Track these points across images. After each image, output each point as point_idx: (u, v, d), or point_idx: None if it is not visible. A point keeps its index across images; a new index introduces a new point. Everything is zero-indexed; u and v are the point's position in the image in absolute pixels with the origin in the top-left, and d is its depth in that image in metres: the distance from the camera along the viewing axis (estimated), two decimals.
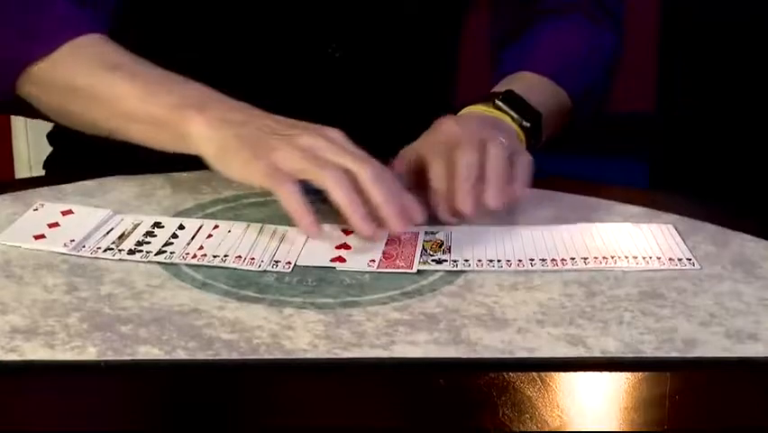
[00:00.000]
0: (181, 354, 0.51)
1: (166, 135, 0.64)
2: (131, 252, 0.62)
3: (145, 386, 0.50)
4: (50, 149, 0.90)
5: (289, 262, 0.61)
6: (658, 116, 1.26)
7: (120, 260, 0.61)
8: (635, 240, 0.65)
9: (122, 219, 0.66)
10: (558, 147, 0.78)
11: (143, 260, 0.61)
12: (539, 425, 0.47)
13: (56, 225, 0.65)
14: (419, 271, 0.60)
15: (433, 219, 0.65)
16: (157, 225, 0.65)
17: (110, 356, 0.51)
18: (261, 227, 0.65)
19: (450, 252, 0.61)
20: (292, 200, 0.59)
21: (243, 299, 0.56)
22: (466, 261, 0.61)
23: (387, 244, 0.62)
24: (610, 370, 0.51)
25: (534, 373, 0.50)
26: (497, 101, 0.72)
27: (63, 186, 0.71)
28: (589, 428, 0.48)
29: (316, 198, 0.61)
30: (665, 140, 1.25)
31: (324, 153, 0.60)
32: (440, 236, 0.63)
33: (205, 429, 0.47)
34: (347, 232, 0.63)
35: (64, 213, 0.66)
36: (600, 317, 0.55)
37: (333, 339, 0.53)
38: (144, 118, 0.65)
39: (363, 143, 0.64)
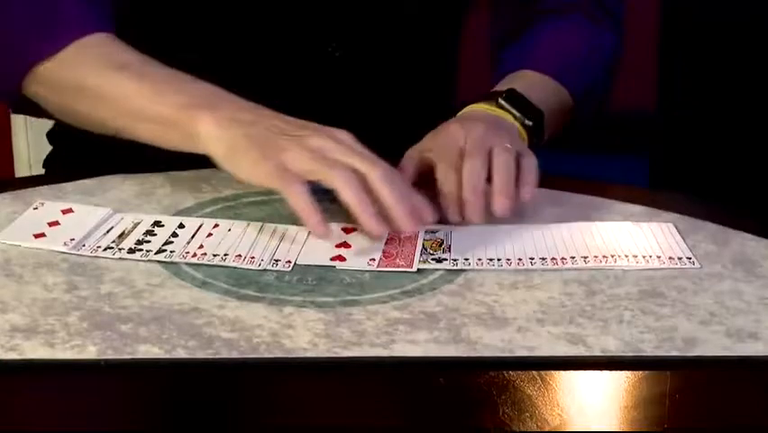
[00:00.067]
0: (181, 353, 0.51)
1: (175, 135, 0.64)
2: (131, 250, 0.61)
3: (145, 385, 0.50)
4: (49, 148, 0.90)
5: (289, 261, 0.60)
6: (658, 115, 1.26)
7: (120, 259, 0.61)
8: (635, 239, 0.65)
9: (122, 218, 0.66)
10: (558, 145, 0.78)
11: (143, 259, 0.61)
12: (539, 424, 0.47)
13: (56, 223, 0.65)
14: (419, 270, 0.60)
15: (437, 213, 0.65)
16: (157, 223, 0.65)
17: (110, 355, 0.51)
18: (261, 226, 0.65)
19: (450, 250, 0.61)
20: (300, 200, 0.59)
21: (243, 298, 0.56)
22: (466, 260, 0.61)
23: (387, 242, 0.62)
24: (610, 369, 0.51)
25: (534, 372, 0.50)
26: (499, 100, 0.72)
27: (63, 184, 0.71)
28: (589, 426, 0.48)
29: (324, 197, 0.61)
30: (666, 138, 1.25)
31: (333, 154, 0.60)
32: (440, 235, 0.63)
33: (206, 428, 0.47)
34: (347, 230, 0.63)
35: (64, 212, 0.66)
36: (600, 316, 0.55)
37: (333, 338, 0.53)
38: (153, 117, 0.65)
39: (363, 142, 0.64)
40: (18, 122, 0.96)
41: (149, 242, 0.63)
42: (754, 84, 1.22)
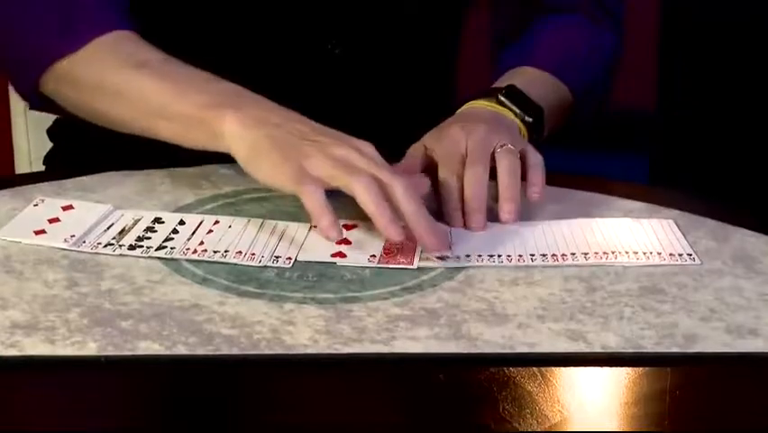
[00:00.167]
0: (182, 350, 0.51)
1: (199, 134, 0.64)
2: (131, 247, 0.61)
3: (145, 381, 0.50)
4: (50, 144, 0.90)
5: (290, 258, 0.60)
6: (658, 113, 1.26)
7: (120, 255, 0.61)
8: (635, 235, 0.65)
9: (122, 215, 0.66)
10: (559, 143, 0.78)
11: (144, 255, 0.61)
12: (539, 420, 0.47)
13: (56, 220, 0.65)
14: (419, 267, 0.60)
15: (440, 217, 0.65)
16: (157, 220, 0.65)
17: (110, 352, 0.51)
18: (262, 223, 0.65)
19: (451, 248, 0.61)
20: (313, 199, 0.58)
21: (244, 295, 0.56)
22: (467, 256, 0.61)
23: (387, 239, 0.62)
24: (611, 365, 0.51)
25: (534, 369, 0.50)
26: (499, 96, 0.72)
27: (63, 181, 0.71)
28: (589, 423, 0.48)
29: (326, 194, 0.61)
30: (665, 136, 1.25)
31: (355, 163, 0.60)
32: None
33: (206, 425, 0.47)
34: (348, 227, 0.63)
35: (64, 208, 0.66)
36: (601, 313, 0.55)
37: (333, 334, 0.53)
38: (175, 116, 0.65)
39: (364, 139, 0.63)
40: (18, 119, 0.96)
41: (149, 238, 0.63)
42: (754, 82, 1.22)
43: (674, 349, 0.52)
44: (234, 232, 0.64)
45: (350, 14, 0.80)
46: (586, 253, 0.62)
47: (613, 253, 0.62)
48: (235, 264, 0.60)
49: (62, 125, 0.89)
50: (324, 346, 0.52)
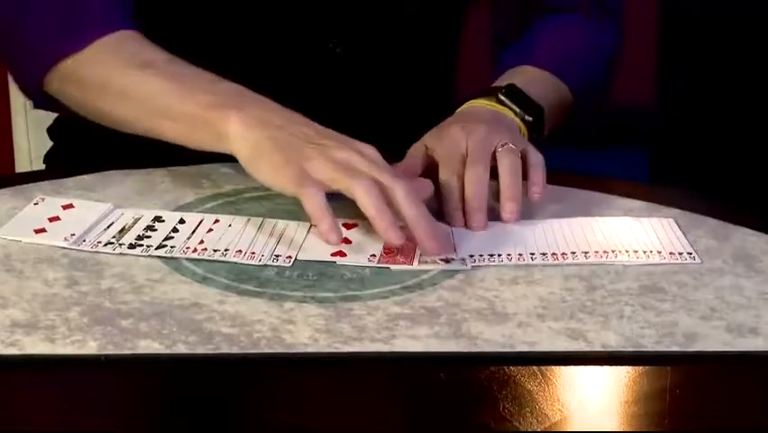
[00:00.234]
0: (182, 349, 0.51)
1: (203, 134, 0.64)
2: (131, 246, 0.61)
3: (145, 380, 0.50)
4: (50, 143, 0.90)
5: (290, 257, 0.60)
6: (658, 111, 1.26)
7: (120, 254, 0.61)
8: (635, 234, 0.64)
9: (122, 213, 0.66)
10: (559, 141, 0.78)
11: (144, 254, 0.61)
12: (540, 419, 0.47)
13: (56, 219, 0.65)
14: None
15: (440, 216, 0.65)
16: (157, 219, 0.65)
17: (110, 350, 0.51)
18: (262, 222, 0.65)
19: (456, 250, 0.60)
20: (314, 202, 0.58)
21: (244, 294, 0.56)
22: (471, 256, 0.61)
23: None
24: (611, 364, 0.51)
25: (534, 367, 0.50)
26: (499, 95, 0.72)
27: (63, 180, 0.71)
28: (589, 422, 0.48)
29: (328, 195, 0.61)
30: (666, 134, 1.25)
31: (356, 166, 0.60)
32: None
33: (206, 424, 0.47)
34: (348, 226, 0.63)
35: (64, 207, 0.66)
36: (601, 312, 0.55)
37: (333, 333, 0.53)
38: (179, 117, 0.65)
39: (364, 138, 0.63)
40: (19, 117, 0.96)
41: (149, 237, 0.63)
42: (754, 80, 1.22)
43: (674, 348, 0.52)
44: (234, 231, 0.64)
45: (351, 13, 0.80)
46: (586, 252, 0.62)
47: (613, 251, 0.62)
48: (235, 263, 0.60)
49: (62, 124, 0.88)
50: (324, 345, 0.52)
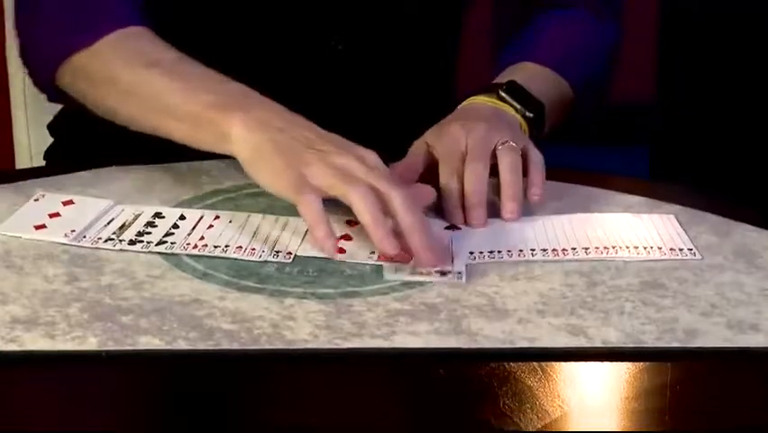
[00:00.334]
0: (182, 345, 0.51)
1: (206, 135, 0.64)
2: (131, 242, 0.61)
3: (146, 376, 0.50)
4: (50, 139, 0.90)
5: (290, 253, 0.60)
6: (658, 107, 1.26)
7: (121, 250, 0.61)
8: (636, 230, 0.64)
9: (122, 210, 0.66)
10: (559, 137, 0.78)
11: (144, 250, 0.61)
12: (540, 415, 0.47)
13: (56, 215, 0.65)
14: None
15: (441, 214, 0.65)
16: (158, 215, 0.65)
17: (111, 347, 0.51)
18: (262, 218, 0.65)
19: (452, 263, 0.60)
20: (310, 210, 0.58)
21: (244, 290, 0.56)
22: (471, 253, 0.61)
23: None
24: (611, 360, 0.51)
25: (534, 363, 0.50)
26: (500, 92, 0.72)
27: (64, 176, 0.71)
28: (590, 418, 0.48)
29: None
30: (666, 129, 1.25)
31: (355, 172, 0.59)
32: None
33: (206, 419, 0.47)
34: (351, 223, 0.63)
35: (65, 203, 0.66)
36: (601, 308, 0.55)
37: (333, 329, 0.53)
38: (184, 117, 0.65)
39: (364, 136, 0.63)
40: (19, 113, 0.96)
41: (149, 233, 0.62)
42: (754, 76, 1.22)
43: (675, 344, 0.52)
44: (235, 227, 0.63)
45: (352, 11, 0.80)
46: (586, 248, 0.62)
47: (614, 247, 0.62)
48: (236, 259, 0.60)
49: (63, 120, 0.88)
50: (324, 341, 0.52)
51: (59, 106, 0.87)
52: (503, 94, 0.72)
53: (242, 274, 0.58)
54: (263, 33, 0.80)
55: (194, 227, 0.63)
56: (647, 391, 0.49)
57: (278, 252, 0.60)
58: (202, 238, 0.62)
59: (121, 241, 0.62)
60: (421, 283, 0.58)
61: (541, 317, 0.54)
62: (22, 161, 0.98)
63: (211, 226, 0.64)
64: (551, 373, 0.50)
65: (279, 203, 0.66)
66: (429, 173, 0.67)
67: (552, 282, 0.58)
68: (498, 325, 0.53)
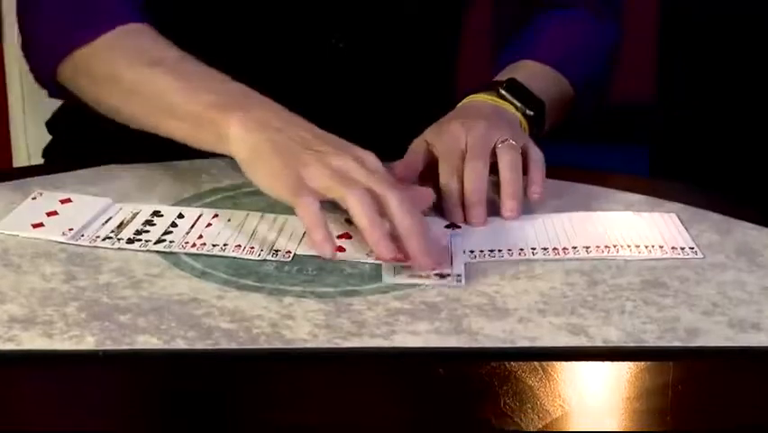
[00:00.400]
0: (180, 344, 0.51)
1: (206, 135, 0.63)
2: (130, 240, 0.61)
3: (144, 376, 0.50)
4: (48, 137, 0.90)
5: (289, 251, 0.60)
6: (658, 105, 1.25)
7: (119, 249, 0.60)
8: (637, 229, 0.64)
9: (120, 208, 0.65)
10: (559, 136, 0.77)
11: (142, 249, 0.60)
12: (541, 415, 0.46)
13: (54, 213, 0.64)
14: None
15: (441, 212, 0.65)
16: (156, 213, 0.65)
17: (108, 346, 0.51)
18: (261, 216, 0.64)
19: (452, 266, 0.59)
20: (308, 213, 0.58)
21: (243, 288, 0.56)
22: (471, 252, 0.60)
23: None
24: (612, 359, 0.51)
25: (535, 363, 0.50)
26: (500, 90, 0.72)
27: (62, 174, 0.70)
28: (590, 418, 0.48)
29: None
30: (665, 129, 1.25)
31: (352, 174, 0.59)
32: None
33: (205, 420, 0.47)
34: (350, 222, 0.63)
35: (63, 201, 0.66)
36: (602, 307, 0.55)
37: (333, 328, 0.52)
38: (185, 116, 0.64)
39: (364, 134, 0.63)
40: (16, 110, 0.95)
41: (148, 232, 0.62)
42: (754, 75, 1.22)
43: (676, 343, 0.52)
44: (233, 225, 0.63)
45: (352, 10, 0.80)
46: (587, 247, 0.61)
47: (615, 246, 0.62)
48: (234, 258, 0.59)
49: (61, 118, 0.88)
50: (323, 341, 0.51)
51: (57, 104, 0.87)
52: (503, 92, 0.72)
53: (241, 273, 0.58)
54: (264, 32, 0.79)
55: (192, 226, 0.63)
56: (649, 391, 0.49)
57: (277, 250, 0.60)
58: (201, 237, 0.62)
59: (119, 239, 0.61)
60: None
61: (542, 317, 0.54)
62: (19, 159, 0.98)
63: (210, 225, 0.63)
64: (552, 373, 0.50)
65: (279, 202, 0.66)
66: (429, 171, 0.67)
67: (552, 281, 0.58)
68: (498, 324, 0.53)
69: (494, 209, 0.65)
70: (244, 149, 0.61)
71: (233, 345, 0.51)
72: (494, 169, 0.65)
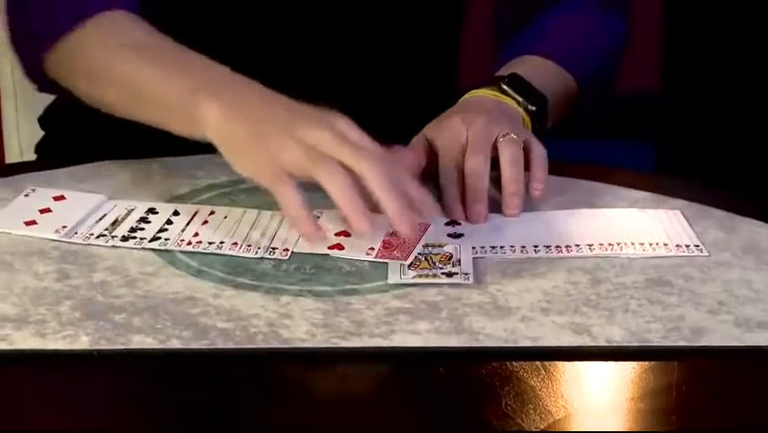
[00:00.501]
0: (176, 344, 0.50)
1: (182, 122, 0.63)
2: (124, 238, 0.60)
3: (139, 376, 0.49)
4: (41, 133, 0.89)
5: (287, 249, 0.59)
6: (664, 100, 1.25)
7: (113, 246, 0.60)
8: (641, 226, 0.63)
9: (115, 205, 0.65)
10: (563, 131, 0.77)
11: (137, 247, 0.60)
12: (543, 416, 0.46)
13: (47, 210, 0.64)
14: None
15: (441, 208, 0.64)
16: (151, 211, 0.64)
17: (103, 346, 0.50)
18: (258, 213, 0.64)
19: (459, 264, 0.59)
20: (287, 201, 0.57)
21: (240, 287, 0.55)
22: (473, 249, 0.60)
23: (392, 233, 0.61)
24: (616, 359, 0.51)
25: (537, 363, 0.49)
26: (502, 85, 0.71)
27: (55, 171, 0.70)
28: (594, 419, 0.47)
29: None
30: (671, 122, 1.24)
31: (326, 148, 0.58)
32: (448, 249, 0.61)
33: (200, 420, 0.46)
34: None
35: (56, 198, 0.65)
36: (606, 306, 0.54)
37: (331, 328, 0.52)
38: (161, 103, 0.64)
39: (365, 132, 0.62)
40: (8, 105, 0.95)
41: (143, 229, 0.62)
42: (760, 69, 1.21)
43: (681, 343, 0.51)
44: (230, 223, 0.63)
45: (353, 9, 0.79)
46: (591, 245, 0.61)
47: (618, 244, 0.61)
48: (231, 256, 0.59)
49: (54, 113, 0.88)
50: (321, 340, 0.51)
51: (50, 99, 0.86)
52: (505, 87, 0.71)
53: (238, 271, 0.57)
54: (264, 31, 0.79)
55: (188, 223, 0.62)
56: (653, 391, 0.49)
57: (274, 248, 0.59)
58: (196, 234, 0.61)
59: (113, 237, 0.61)
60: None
61: (544, 316, 0.53)
62: (11, 156, 0.97)
63: (206, 222, 0.63)
64: (554, 373, 0.49)
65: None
66: (429, 167, 0.66)
67: (555, 280, 0.57)
68: (500, 323, 0.52)
69: (495, 206, 0.64)
70: (220, 136, 0.61)
71: (230, 345, 0.50)
72: (495, 164, 0.65)
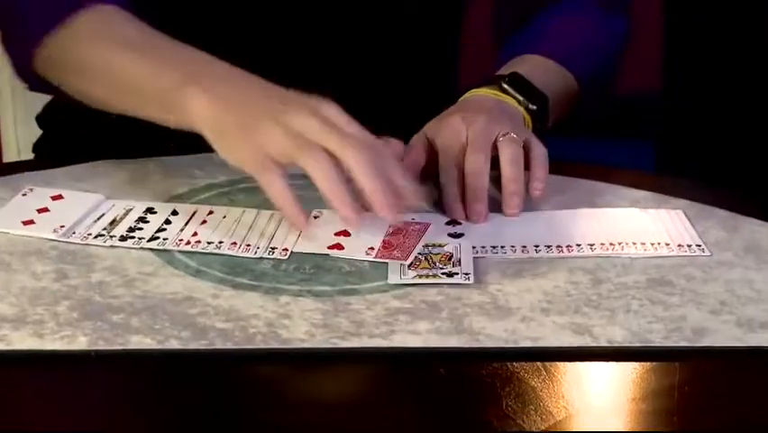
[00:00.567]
0: (174, 344, 0.50)
1: (170, 113, 0.63)
2: (122, 238, 0.60)
3: (137, 377, 0.49)
4: (39, 132, 0.89)
5: (286, 249, 0.59)
6: (665, 99, 1.25)
7: (111, 246, 0.59)
8: (642, 226, 0.63)
9: (113, 205, 0.65)
10: (563, 130, 0.77)
11: (135, 246, 0.59)
12: (544, 417, 0.46)
13: (45, 210, 0.64)
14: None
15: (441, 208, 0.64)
16: (149, 210, 0.64)
17: (101, 346, 0.50)
18: (257, 213, 0.63)
19: (460, 264, 0.58)
20: (273, 190, 0.57)
21: (239, 287, 0.55)
22: (473, 248, 0.59)
23: (392, 233, 0.60)
24: (617, 360, 0.50)
25: (538, 363, 0.49)
26: (503, 84, 0.71)
27: (53, 170, 0.70)
28: (595, 419, 0.47)
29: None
30: (671, 122, 1.24)
31: (312, 136, 0.58)
32: (448, 249, 0.60)
33: (199, 421, 0.46)
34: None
35: (54, 198, 0.65)
36: (607, 306, 0.54)
37: (331, 328, 0.51)
38: (148, 96, 0.64)
39: (366, 130, 0.62)
40: (6, 105, 0.94)
41: (141, 229, 0.61)
42: (761, 69, 1.21)
43: (683, 343, 0.51)
44: (229, 222, 0.62)
45: (353, 8, 0.79)
46: (592, 244, 0.60)
47: (620, 243, 0.61)
48: (230, 256, 0.58)
49: (52, 112, 0.88)
50: (321, 341, 0.50)
51: (47, 98, 0.86)
52: (505, 86, 0.71)
53: (237, 271, 0.57)
54: (263, 31, 0.79)
55: (187, 223, 0.62)
56: (655, 392, 0.48)
57: (273, 248, 0.59)
58: (195, 234, 0.61)
59: (112, 237, 0.60)
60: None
61: (545, 316, 0.53)
62: (9, 154, 0.97)
63: (204, 222, 0.62)
64: (555, 374, 0.49)
65: None
66: (429, 167, 0.66)
67: (556, 280, 0.57)
68: (500, 324, 0.52)
69: (495, 205, 0.64)
70: (208, 127, 0.61)
71: (229, 346, 0.50)
72: (495, 163, 0.64)
